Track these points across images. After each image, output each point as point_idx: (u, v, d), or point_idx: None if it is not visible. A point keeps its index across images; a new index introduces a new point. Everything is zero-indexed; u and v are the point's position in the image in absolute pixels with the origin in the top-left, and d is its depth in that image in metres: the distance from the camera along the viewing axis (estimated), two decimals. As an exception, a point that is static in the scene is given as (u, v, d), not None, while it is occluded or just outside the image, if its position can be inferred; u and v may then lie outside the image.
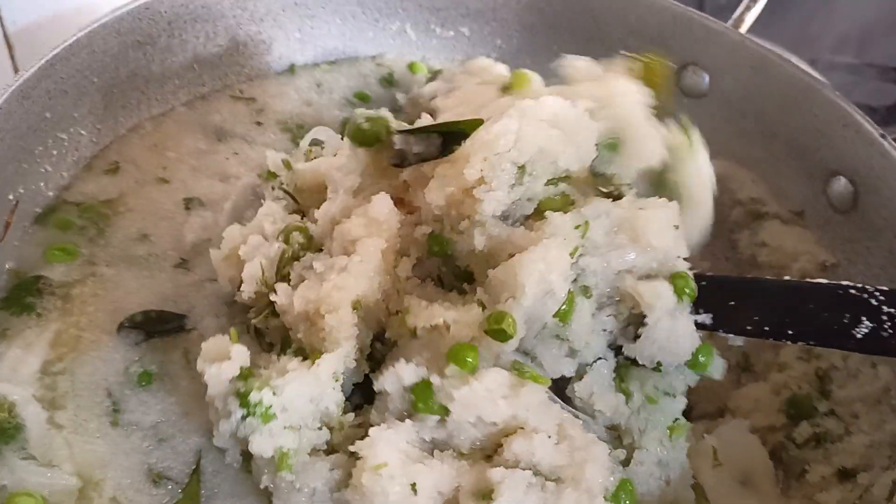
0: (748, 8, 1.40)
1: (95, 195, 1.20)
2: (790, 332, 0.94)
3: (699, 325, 0.97)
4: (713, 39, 1.37)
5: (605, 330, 0.94)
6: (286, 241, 0.96)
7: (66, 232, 1.14)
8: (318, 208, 1.01)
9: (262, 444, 0.84)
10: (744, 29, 1.40)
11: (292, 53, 1.47)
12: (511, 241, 0.90)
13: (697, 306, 0.96)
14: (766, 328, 0.95)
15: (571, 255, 0.87)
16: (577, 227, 0.89)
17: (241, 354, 0.87)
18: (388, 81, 1.49)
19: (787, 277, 1.01)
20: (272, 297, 0.92)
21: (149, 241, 1.15)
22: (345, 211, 0.97)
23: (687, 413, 1.02)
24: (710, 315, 0.97)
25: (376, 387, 0.88)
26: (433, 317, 0.87)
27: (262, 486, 0.89)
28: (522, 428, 0.85)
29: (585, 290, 0.90)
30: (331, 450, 0.89)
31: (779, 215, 1.35)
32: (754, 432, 1.11)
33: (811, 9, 1.83)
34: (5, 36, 1.49)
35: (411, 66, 1.52)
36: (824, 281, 0.98)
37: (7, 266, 1.08)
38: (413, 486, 0.80)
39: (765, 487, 1.07)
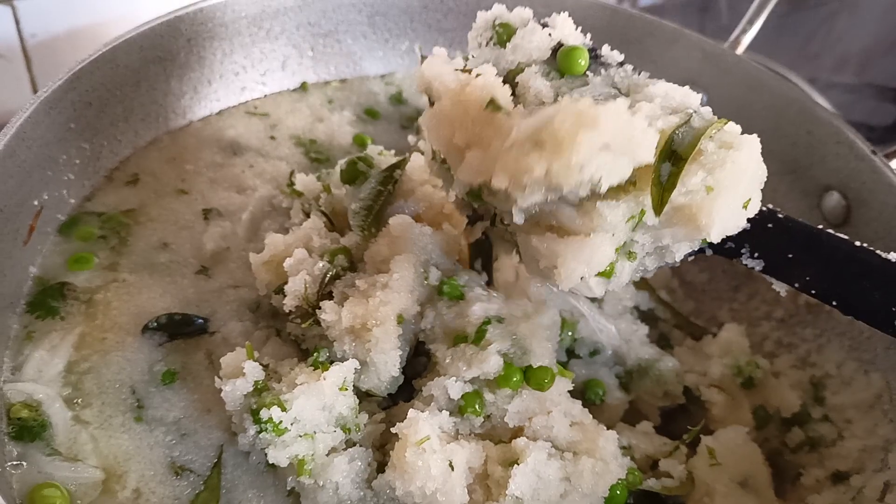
0: (745, 30, 1.46)
1: (117, 206, 1.24)
2: (838, 300, 0.91)
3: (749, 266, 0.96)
4: (710, 59, 1.43)
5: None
6: (331, 261, 1.02)
7: (88, 242, 1.18)
8: (349, 230, 1.09)
9: (278, 456, 0.90)
10: (741, 50, 1.46)
11: (305, 71, 1.52)
12: (556, 216, 0.85)
13: (753, 249, 0.94)
14: (815, 290, 0.92)
15: (617, 250, 0.86)
16: (629, 220, 0.83)
17: (254, 371, 0.93)
18: (398, 100, 1.54)
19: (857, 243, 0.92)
20: (320, 315, 0.96)
21: (170, 249, 1.19)
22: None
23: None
24: (762, 262, 0.94)
25: (425, 391, 0.96)
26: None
27: (288, 488, 0.94)
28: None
29: (630, 255, 0.89)
30: (349, 445, 0.94)
31: (774, 229, 1.39)
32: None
33: (812, 30, 1.87)
34: (24, 49, 1.54)
35: (419, 85, 1.57)
36: (881, 254, 0.93)
37: (32, 273, 1.12)
38: (450, 463, 0.88)
39: (763, 490, 1.11)
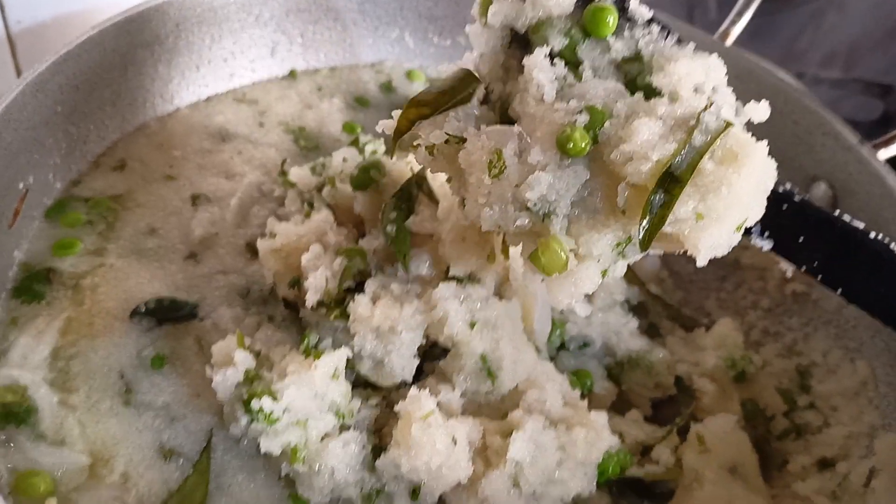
0: (734, 22, 1.46)
1: (104, 191, 1.23)
2: (844, 287, 0.91)
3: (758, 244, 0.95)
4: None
5: None
6: (349, 261, 1.02)
7: (74, 227, 1.17)
8: (353, 224, 1.11)
9: (270, 444, 0.91)
10: (729, 42, 1.46)
11: (294, 58, 1.51)
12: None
13: (764, 228, 0.92)
14: (822, 275, 0.91)
15: (603, 275, 0.82)
16: (616, 247, 0.79)
17: (244, 360, 0.94)
18: (387, 88, 1.54)
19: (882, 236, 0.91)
20: (352, 307, 0.97)
21: (158, 234, 1.18)
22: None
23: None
24: (772, 242, 0.93)
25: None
26: None
27: (282, 475, 0.94)
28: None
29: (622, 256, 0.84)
30: (343, 430, 0.95)
31: (762, 219, 1.40)
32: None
33: (799, 25, 1.88)
34: (8, 35, 1.52)
35: (409, 74, 1.57)
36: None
37: (17, 258, 1.11)
38: (453, 438, 0.90)
39: (751, 477, 1.12)
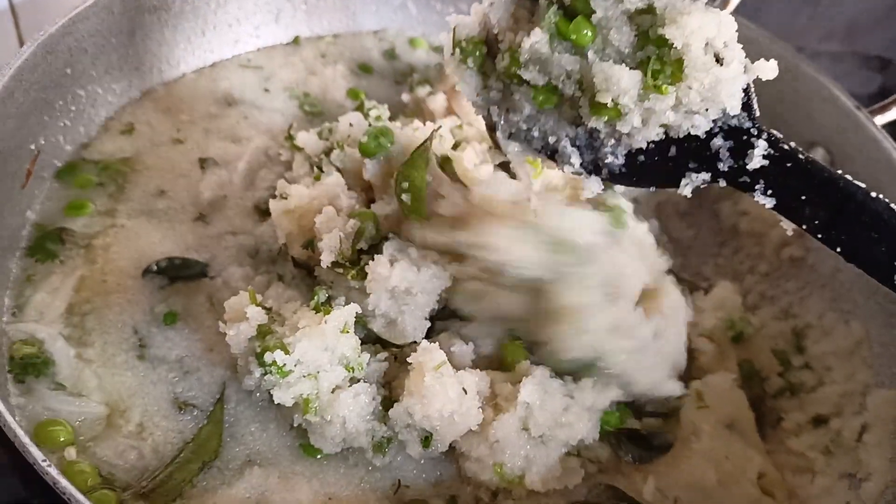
0: (734, -11, 1.48)
1: (113, 153, 1.24)
2: (843, 247, 0.90)
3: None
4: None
5: None
6: (362, 223, 1.03)
7: (86, 189, 1.18)
8: (361, 189, 1.13)
9: (283, 396, 0.93)
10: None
11: (298, 25, 1.52)
12: None
13: (767, 186, 0.90)
14: (822, 234, 0.90)
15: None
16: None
17: (257, 315, 0.96)
18: (391, 55, 1.55)
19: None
20: (372, 266, 0.99)
21: (167, 196, 1.20)
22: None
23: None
24: (774, 200, 0.91)
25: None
26: None
27: (294, 425, 0.97)
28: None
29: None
30: (353, 383, 0.97)
31: (760, 185, 1.42)
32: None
33: (799, 1, 1.89)
34: (11, 6, 1.52)
35: (412, 42, 1.58)
36: None
37: (30, 218, 1.12)
38: (464, 388, 0.93)
39: (749, 433, 1.15)
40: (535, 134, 0.91)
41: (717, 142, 0.87)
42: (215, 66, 1.44)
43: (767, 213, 1.36)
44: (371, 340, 1.02)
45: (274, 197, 1.12)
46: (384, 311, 0.99)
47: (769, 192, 0.89)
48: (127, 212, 1.17)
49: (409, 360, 0.95)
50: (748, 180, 0.90)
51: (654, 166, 0.91)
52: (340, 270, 1.00)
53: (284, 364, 0.91)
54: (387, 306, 0.99)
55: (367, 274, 0.99)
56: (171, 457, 0.92)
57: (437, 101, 1.35)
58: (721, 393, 1.15)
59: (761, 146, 0.87)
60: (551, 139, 0.90)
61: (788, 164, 0.89)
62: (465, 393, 0.93)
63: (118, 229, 1.14)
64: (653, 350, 1.06)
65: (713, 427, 1.09)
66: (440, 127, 1.13)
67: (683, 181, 0.90)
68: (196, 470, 0.92)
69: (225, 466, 0.93)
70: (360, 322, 1.00)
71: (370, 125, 1.20)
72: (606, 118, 0.83)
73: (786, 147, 0.89)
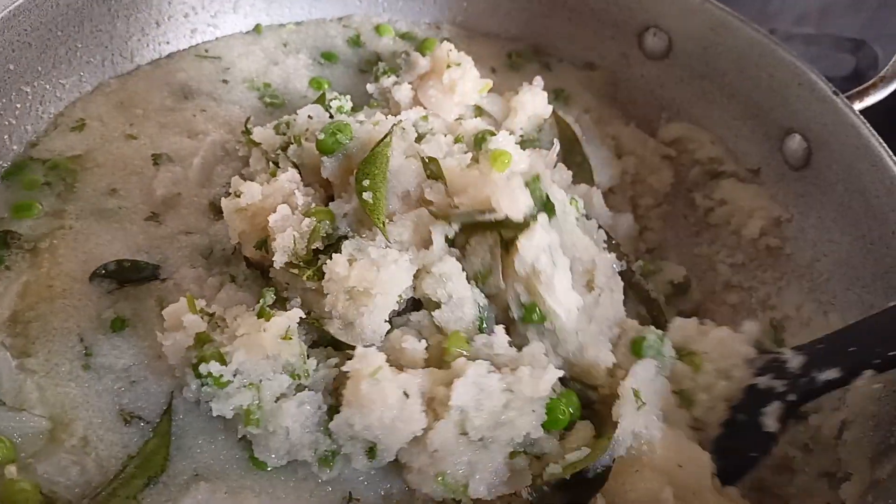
0: (707, -27, 1.43)
1: (62, 151, 1.19)
2: None
3: (832, 384, 0.99)
4: (673, 1, 1.40)
5: None
6: (318, 222, 0.99)
7: (33, 190, 1.13)
8: (320, 185, 1.08)
9: (222, 408, 0.89)
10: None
11: (258, 13, 1.46)
12: None
13: (821, 367, 0.99)
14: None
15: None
16: None
17: (194, 323, 0.91)
18: (356, 42, 1.49)
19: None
20: (329, 266, 0.95)
21: (118, 195, 1.15)
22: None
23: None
24: (838, 368, 0.98)
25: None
26: None
27: (239, 437, 0.93)
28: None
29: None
30: (299, 390, 0.93)
31: (736, 174, 1.39)
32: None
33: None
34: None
35: (378, 29, 1.52)
36: None
37: (-27, 222, 1.08)
38: (404, 392, 0.88)
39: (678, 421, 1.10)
40: None
41: None
42: (171, 58, 1.38)
43: (744, 203, 1.35)
44: (325, 343, 0.98)
45: (228, 195, 1.07)
46: (342, 312, 0.95)
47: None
48: (76, 212, 1.12)
49: (343, 368, 0.90)
50: None
51: None
52: (295, 271, 0.96)
53: (221, 375, 0.87)
54: (344, 308, 0.94)
55: (324, 274, 0.95)
56: (116, 472, 0.88)
57: (403, 92, 1.30)
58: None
59: None
60: None
61: (820, 346, 1.03)
62: (407, 397, 0.88)
63: (66, 231, 1.09)
64: (592, 315, 1.04)
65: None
66: (401, 121, 1.08)
67: None
68: (141, 486, 0.88)
69: (171, 481, 0.89)
70: (315, 324, 0.96)
71: (331, 117, 1.16)
72: None
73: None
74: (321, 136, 1.04)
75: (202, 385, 0.88)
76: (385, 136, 1.02)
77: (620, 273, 1.28)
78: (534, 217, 1.00)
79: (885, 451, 1.05)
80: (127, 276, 1.04)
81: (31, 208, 1.10)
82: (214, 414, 0.89)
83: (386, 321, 0.96)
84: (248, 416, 0.88)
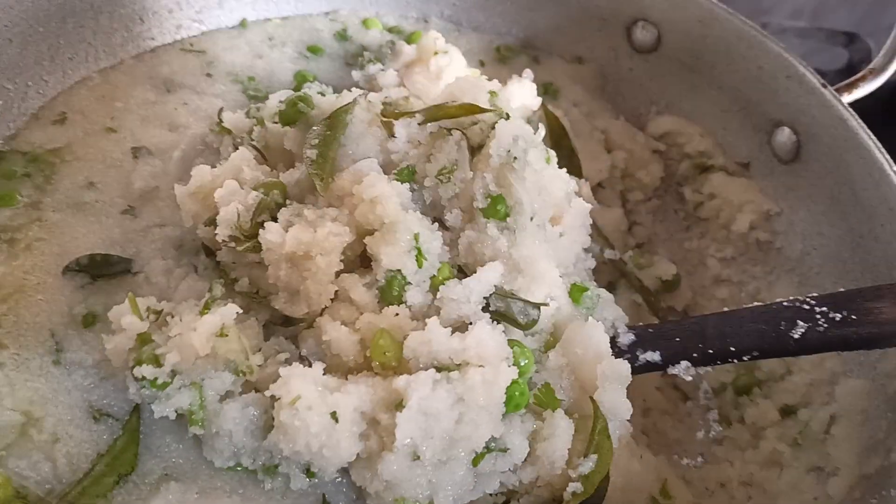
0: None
1: (42, 144, 1.18)
2: (733, 351, 0.97)
3: (650, 365, 1.00)
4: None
5: None
6: (266, 194, 0.96)
7: (11, 180, 1.12)
8: (284, 165, 1.05)
9: (163, 409, 0.86)
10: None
11: (243, 8, 1.45)
12: None
13: (645, 349, 1.00)
14: (711, 354, 0.98)
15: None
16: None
17: (133, 325, 0.88)
18: (342, 36, 1.48)
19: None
20: (262, 235, 0.91)
21: (96, 188, 1.14)
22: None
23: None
24: (659, 353, 1.00)
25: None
26: None
27: (189, 436, 0.90)
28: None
29: None
30: (249, 389, 0.90)
31: (725, 167, 1.37)
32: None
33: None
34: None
35: (365, 22, 1.51)
36: (758, 303, 1.04)
37: (-51, 213, 1.06)
38: (333, 414, 0.82)
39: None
40: None
41: None
42: (155, 52, 1.37)
43: (733, 197, 1.34)
44: (278, 322, 0.94)
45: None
46: (285, 282, 0.91)
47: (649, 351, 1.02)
48: (53, 205, 1.10)
49: (266, 393, 0.85)
50: None
51: None
52: (234, 244, 0.93)
53: (156, 378, 0.85)
54: (287, 275, 0.91)
55: (261, 245, 0.92)
56: (86, 470, 0.87)
57: (388, 77, 1.29)
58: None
59: None
60: None
61: (650, 331, 1.03)
62: (336, 421, 0.82)
63: (42, 224, 1.08)
64: (558, 245, 1.03)
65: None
66: (367, 93, 1.06)
67: None
68: (111, 484, 0.86)
69: (141, 480, 0.88)
70: (263, 302, 0.93)
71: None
72: None
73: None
74: (283, 108, 1.03)
75: (141, 388, 0.86)
76: (349, 104, 1.00)
77: (612, 262, 1.27)
78: (506, 115, 0.98)
79: (874, 446, 1.03)
80: (99, 270, 1.03)
81: (10, 198, 1.09)
82: (157, 416, 0.86)
83: (332, 283, 0.91)
84: (191, 416, 0.85)
